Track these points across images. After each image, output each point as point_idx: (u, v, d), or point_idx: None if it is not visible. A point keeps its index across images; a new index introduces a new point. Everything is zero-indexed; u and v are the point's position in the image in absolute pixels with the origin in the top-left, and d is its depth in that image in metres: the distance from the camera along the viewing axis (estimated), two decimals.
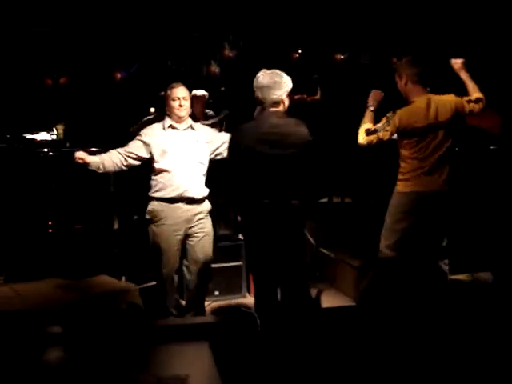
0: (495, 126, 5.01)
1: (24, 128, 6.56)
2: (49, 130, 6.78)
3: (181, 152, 4.36)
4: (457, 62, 4.44)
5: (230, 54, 7.28)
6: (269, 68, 3.82)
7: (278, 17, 6.71)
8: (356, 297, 5.29)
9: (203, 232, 4.45)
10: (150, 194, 4.40)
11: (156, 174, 4.38)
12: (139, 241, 5.15)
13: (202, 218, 4.44)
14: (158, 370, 3.01)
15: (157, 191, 4.37)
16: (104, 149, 5.56)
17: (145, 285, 5.05)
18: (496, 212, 5.47)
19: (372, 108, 4.45)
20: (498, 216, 5.43)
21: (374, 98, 4.49)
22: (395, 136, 4.37)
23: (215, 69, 7.48)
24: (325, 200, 6.95)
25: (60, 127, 6.81)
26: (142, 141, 4.38)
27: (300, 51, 7.40)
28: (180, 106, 4.35)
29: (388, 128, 4.31)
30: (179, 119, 4.40)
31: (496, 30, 6.39)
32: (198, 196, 4.39)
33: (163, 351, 3.24)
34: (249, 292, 5.56)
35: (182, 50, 7.33)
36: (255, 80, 3.80)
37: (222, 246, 5.49)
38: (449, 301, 4.14)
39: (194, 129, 4.48)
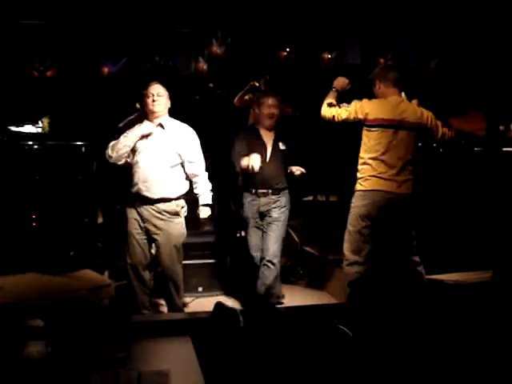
0: (480, 128, 5.04)
1: (9, 120, 6.52)
2: (34, 123, 6.74)
3: (151, 149, 4.39)
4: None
5: (218, 51, 7.28)
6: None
7: (267, 14, 6.72)
8: (339, 295, 5.32)
9: (164, 232, 4.43)
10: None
11: (131, 169, 4.46)
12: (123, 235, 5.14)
13: (163, 220, 4.43)
14: (140, 364, 3.02)
15: (128, 187, 4.47)
16: (90, 143, 5.57)
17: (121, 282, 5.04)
18: (481, 213, 5.52)
19: (335, 89, 4.55)
20: (483, 217, 5.47)
21: (338, 82, 4.59)
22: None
23: (203, 65, 7.47)
24: (310, 198, 6.97)
25: (45, 120, 6.77)
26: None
27: (288, 49, 7.41)
28: (153, 101, 4.38)
29: (349, 109, 4.38)
30: (154, 114, 4.42)
31: (483, 32, 6.43)
32: (155, 196, 4.38)
33: (145, 346, 3.25)
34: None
35: (170, 46, 7.32)
36: None
37: (205, 242, 5.50)
38: (431, 301, 4.16)
39: (164, 127, 4.48)
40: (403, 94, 4.49)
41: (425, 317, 3.41)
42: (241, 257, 5.28)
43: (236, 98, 5.27)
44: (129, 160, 4.40)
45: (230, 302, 5.24)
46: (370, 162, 4.33)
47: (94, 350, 3.07)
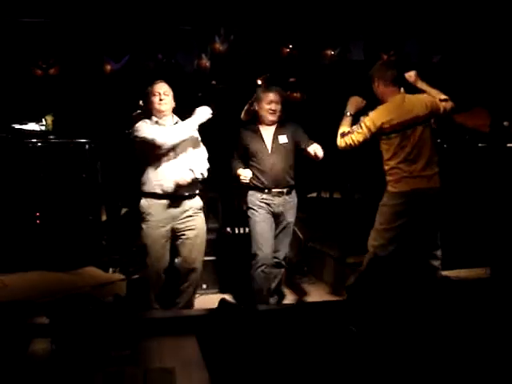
0: (484, 124, 5.03)
1: (13, 118, 6.53)
2: (38, 121, 6.74)
3: (169, 148, 4.37)
4: (410, 76, 4.51)
5: (221, 48, 7.26)
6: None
7: (270, 11, 6.70)
8: (343, 291, 5.31)
9: (191, 230, 4.46)
10: (141, 188, 4.42)
11: (145, 169, 4.37)
12: (127, 233, 5.15)
13: (189, 216, 4.44)
14: (145, 362, 3.02)
15: (144, 186, 4.37)
16: (93, 140, 5.56)
17: (132, 277, 5.05)
18: (484, 209, 5.51)
19: (348, 113, 4.50)
20: (485, 213, 5.47)
21: (352, 104, 4.54)
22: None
23: (206, 62, 7.46)
24: (314, 195, 6.97)
25: (49, 118, 6.78)
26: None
27: (291, 46, 7.39)
28: (160, 100, 4.37)
29: (360, 130, 4.35)
30: (160, 114, 4.41)
31: (485, 29, 6.41)
32: (186, 192, 4.39)
33: (150, 343, 3.25)
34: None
35: (173, 44, 7.31)
36: None
37: (210, 239, 5.50)
38: (441, 297, 4.15)
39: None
40: (402, 89, 4.48)
41: (429, 313, 3.40)
42: (244, 254, 5.26)
43: (242, 114, 5.03)
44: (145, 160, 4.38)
45: (234, 299, 5.24)
46: (398, 165, 4.34)
47: (99, 348, 3.08)
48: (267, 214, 4.66)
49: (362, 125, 4.35)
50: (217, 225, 5.82)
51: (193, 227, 4.45)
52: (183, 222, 4.41)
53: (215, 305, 3.47)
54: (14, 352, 3.11)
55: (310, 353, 3.01)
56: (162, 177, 4.32)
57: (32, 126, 6.62)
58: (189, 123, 4.36)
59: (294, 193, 4.79)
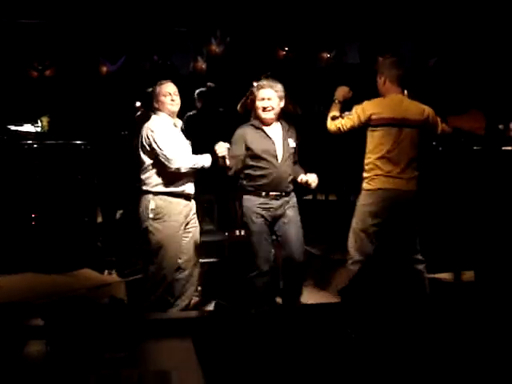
0: (480, 126, 5.04)
1: (8, 119, 6.52)
2: (33, 122, 6.74)
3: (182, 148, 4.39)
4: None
5: (217, 50, 7.27)
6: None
7: (266, 13, 6.72)
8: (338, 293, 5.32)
9: (194, 227, 4.49)
10: (149, 188, 4.32)
11: (157, 169, 4.32)
12: (123, 234, 5.15)
13: (194, 213, 4.49)
14: (141, 364, 3.02)
15: (157, 185, 4.33)
16: (89, 141, 5.55)
17: (129, 278, 5.05)
18: (478, 212, 5.52)
19: (336, 101, 4.55)
20: (480, 216, 5.48)
21: (339, 92, 4.59)
22: None
23: (202, 64, 7.47)
24: (309, 197, 6.97)
25: (45, 119, 6.78)
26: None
27: (286, 49, 7.40)
28: (172, 100, 4.37)
29: (351, 116, 4.39)
30: (172, 114, 4.41)
31: (481, 32, 6.44)
32: (193, 192, 4.44)
33: (146, 346, 3.25)
34: None
35: (169, 45, 7.32)
36: None
37: (206, 241, 5.48)
38: (428, 299, 4.16)
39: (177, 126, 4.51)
40: (405, 91, 4.48)
41: (422, 315, 3.41)
42: (240, 256, 5.25)
43: (239, 106, 4.78)
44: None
45: (230, 302, 5.23)
46: (376, 161, 4.33)
47: (94, 350, 3.08)
48: (264, 225, 4.48)
49: (353, 111, 4.40)
50: (212, 227, 5.81)
51: (195, 225, 4.50)
52: (189, 221, 4.44)
53: (210, 307, 3.47)
54: (8, 353, 3.10)
55: (306, 356, 3.01)
56: (179, 176, 4.31)
57: (27, 128, 6.62)
58: (204, 161, 4.31)
59: (292, 194, 4.60)
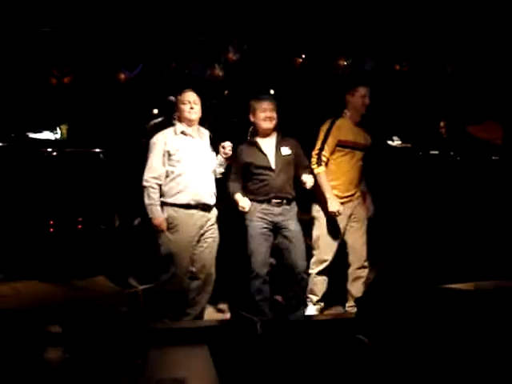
0: (498, 136, 5.01)
1: (28, 127, 6.57)
2: (52, 130, 6.79)
3: (194, 158, 4.41)
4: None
5: (234, 58, 7.29)
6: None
7: (282, 22, 6.73)
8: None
9: (212, 238, 4.49)
10: (163, 198, 4.37)
11: (170, 179, 4.39)
12: (140, 242, 5.16)
13: (212, 225, 4.49)
14: (157, 372, 3.03)
15: (171, 197, 4.37)
16: (107, 149, 5.58)
17: (146, 286, 5.05)
18: (498, 220, 5.48)
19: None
20: (500, 224, 5.43)
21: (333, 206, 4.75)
22: None
23: (219, 72, 7.49)
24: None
25: (64, 127, 6.83)
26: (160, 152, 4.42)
27: (303, 56, 7.40)
28: (191, 108, 4.41)
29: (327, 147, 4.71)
30: (190, 122, 4.46)
31: (500, 41, 6.40)
32: (211, 202, 4.46)
33: (162, 354, 3.26)
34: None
35: (187, 53, 7.35)
36: None
37: None
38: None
39: (201, 138, 4.55)
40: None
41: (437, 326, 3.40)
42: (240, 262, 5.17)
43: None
44: (170, 170, 4.39)
45: (243, 310, 5.20)
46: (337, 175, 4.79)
47: (112, 357, 3.10)
48: (264, 229, 4.56)
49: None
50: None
51: (213, 235, 4.49)
52: (206, 231, 4.45)
53: (219, 315, 3.47)
54: (27, 360, 3.13)
55: (322, 364, 3.01)
56: (191, 187, 4.35)
57: (47, 135, 6.67)
58: (153, 211, 4.35)
59: (293, 204, 4.70)
